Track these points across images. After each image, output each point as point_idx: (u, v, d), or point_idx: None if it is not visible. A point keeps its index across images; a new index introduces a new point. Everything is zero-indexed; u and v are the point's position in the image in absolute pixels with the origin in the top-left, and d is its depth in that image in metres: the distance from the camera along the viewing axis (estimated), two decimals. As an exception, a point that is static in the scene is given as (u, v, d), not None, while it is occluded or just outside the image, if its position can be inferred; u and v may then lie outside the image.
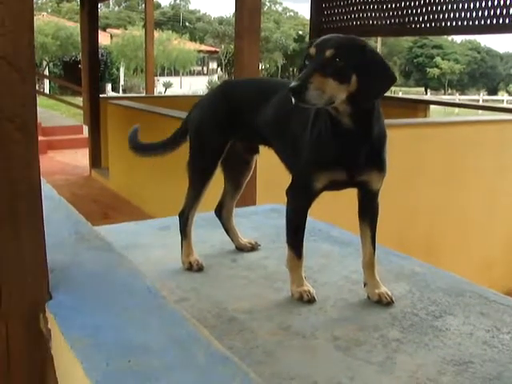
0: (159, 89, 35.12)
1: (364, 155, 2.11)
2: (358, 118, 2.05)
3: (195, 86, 37.83)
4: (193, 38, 48.82)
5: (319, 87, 1.89)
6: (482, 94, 48.58)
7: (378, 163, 2.16)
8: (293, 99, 1.90)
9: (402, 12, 7.84)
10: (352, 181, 2.16)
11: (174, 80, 41.52)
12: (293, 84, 1.89)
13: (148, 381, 1.10)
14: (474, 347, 1.92)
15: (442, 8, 7.34)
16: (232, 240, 2.78)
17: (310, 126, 2.16)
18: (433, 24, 7.50)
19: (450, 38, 53.43)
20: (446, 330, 2.04)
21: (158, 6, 49.33)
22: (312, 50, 1.99)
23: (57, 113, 20.05)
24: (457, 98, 41.06)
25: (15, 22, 1.32)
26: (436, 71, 52.85)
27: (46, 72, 33.96)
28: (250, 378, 1.11)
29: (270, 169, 2.55)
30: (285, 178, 2.30)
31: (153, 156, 2.78)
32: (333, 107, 1.99)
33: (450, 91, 54.17)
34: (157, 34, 27.95)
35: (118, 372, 1.14)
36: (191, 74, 45.01)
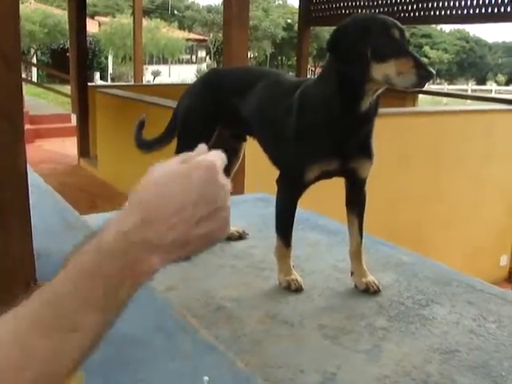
0: (148, 77, 34.92)
1: (357, 142, 2.11)
2: (377, 98, 2.07)
3: (184, 74, 37.66)
4: (181, 27, 48.61)
5: None
6: (470, 84, 48.66)
7: (366, 150, 2.16)
8: (419, 82, 1.92)
9: (391, 1, 7.85)
10: (342, 169, 2.16)
11: (162, 68, 41.34)
12: (425, 70, 1.90)
13: (135, 370, 1.10)
14: (461, 336, 1.94)
15: (430, -3, 7.35)
16: (220, 229, 2.77)
17: (296, 115, 2.15)
18: (421, 13, 7.51)
19: (438, 27, 53.46)
20: (432, 319, 2.05)
21: (147, -7, 49.02)
22: (396, 33, 1.97)
23: (44, 101, 19.93)
24: (445, 87, 41.10)
25: (0, 10, 1.31)
26: (424, 60, 52.89)
27: (34, 60, 33.71)
28: (236, 367, 1.11)
29: (258, 158, 2.54)
30: (273, 168, 2.30)
31: (157, 150, 2.74)
32: (374, 87, 2.02)
33: (438, 81, 54.18)
34: (145, 22, 27.72)
35: (105, 361, 1.14)
36: (180, 62, 44.84)
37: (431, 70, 1.91)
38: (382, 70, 1.93)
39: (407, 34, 2.00)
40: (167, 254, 0.75)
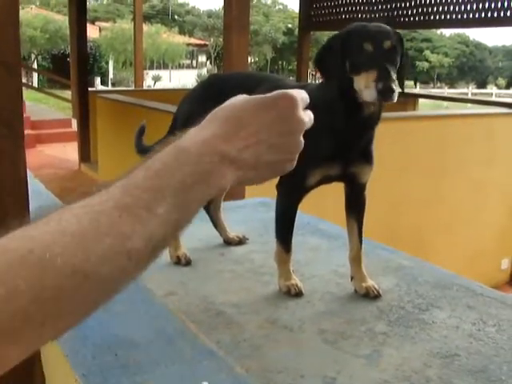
0: (148, 82, 34.99)
1: (361, 146, 2.11)
2: (380, 105, 2.06)
3: (184, 79, 37.70)
4: (182, 32, 48.71)
5: (396, 82, 1.91)
6: (470, 88, 48.73)
7: (367, 155, 2.16)
8: (379, 96, 1.89)
9: (391, 5, 7.86)
10: (343, 174, 2.17)
11: (163, 73, 41.42)
12: (382, 85, 1.87)
13: (134, 375, 1.10)
14: (460, 340, 1.93)
15: (431, 1, 7.37)
16: (220, 234, 2.78)
17: None
18: (422, 17, 7.53)
19: (439, 31, 53.49)
20: (432, 323, 2.05)
21: (147, -1, 49.10)
22: (368, 46, 1.94)
23: (45, 106, 19.97)
24: (446, 91, 41.15)
25: (0, 15, 1.32)
26: (425, 65, 52.88)
27: (35, 65, 33.81)
28: (235, 372, 1.11)
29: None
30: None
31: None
32: None
33: (439, 84, 54.28)
34: (146, 27, 27.83)
35: (104, 366, 1.14)
36: (180, 67, 44.93)
37: (391, 85, 1.87)
38: (356, 83, 1.95)
39: (395, 41, 1.96)
40: (238, 171, 0.78)
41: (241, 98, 0.84)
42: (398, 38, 2.01)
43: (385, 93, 1.89)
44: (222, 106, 0.83)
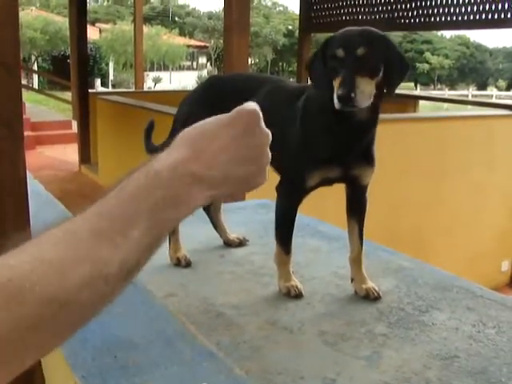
0: (149, 84, 35.01)
1: (360, 149, 2.11)
2: (372, 110, 2.05)
3: (185, 81, 37.76)
4: (182, 33, 48.76)
5: (363, 89, 1.90)
6: (471, 89, 48.76)
7: (368, 157, 2.16)
8: (339, 105, 1.90)
9: (392, 7, 7.87)
10: (344, 176, 2.16)
11: (163, 75, 41.46)
12: (342, 92, 1.88)
13: (133, 376, 1.10)
14: (460, 342, 1.93)
15: (431, 3, 7.38)
16: (220, 235, 2.78)
17: (299, 121, 2.15)
18: (422, 19, 7.53)
19: (439, 33, 53.52)
20: (432, 325, 2.05)
21: (147, 0, 49.14)
22: (340, 52, 1.95)
23: (45, 108, 19.98)
24: (446, 93, 41.15)
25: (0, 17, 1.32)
26: (426, 66, 52.87)
27: (35, 67, 33.81)
28: (234, 374, 1.11)
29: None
30: (274, 173, 2.30)
31: None
32: None
33: (439, 86, 54.27)
34: (146, 28, 27.82)
35: (104, 367, 1.14)
36: (181, 68, 44.95)
37: (349, 92, 1.87)
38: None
39: (373, 47, 1.94)
40: (210, 190, 0.80)
41: (207, 119, 0.86)
42: (380, 44, 1.99)
43: (343, 100, 1.90)
44: (189, 128, 0.84)
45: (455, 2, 7.03)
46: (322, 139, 2.10)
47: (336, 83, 1.93)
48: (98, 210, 0.72)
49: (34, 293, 0.62)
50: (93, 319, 0.71)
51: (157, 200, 0.74)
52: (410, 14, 7.66)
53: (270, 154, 0.88)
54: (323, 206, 3.59)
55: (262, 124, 0.87)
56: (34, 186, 2.11)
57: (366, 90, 1.91)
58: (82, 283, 0.66)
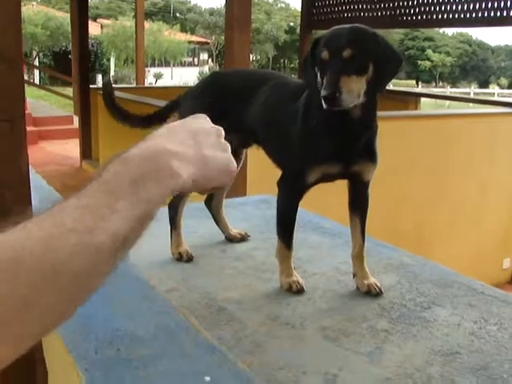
0: (150, 80, 35.00)
1: (360, 146, 2.11)
2: (367, 107, 2.05)
3: (186, 77, 37.72)
4: (183, 29, 48.70)
5: (349, 89, 1.90)
6: (472, 87, 48.70)
7: (371, 154, 2.16)
8: (325, 105, 1.91)
9: (394, 4, 7.85)
10: (345, 172, 2.17)
11: (164, 71, 41.43)
12: (325, 93, 1.88)
13: (136, 369, 1.10)
14: (462, 338, 1.93)
15: (433, 0, 7.35)
16: (222, 231, 2.78)
17: (301, 117, 2.15)
18: (424, 16, 7.52)
19: (441, 30, 53.46)
20: (434, 321, 2.05)
21: (149, -4, 49.04)
22: (325, 54, 1.96)
23: (47, 103, 19.97)
24: (448, 90, 41.14)
25: (2, 11, 1.31)
26: (427, 64, 52.87)
27: (36, 62, 33.79)
28: (237, 367, 1.11)
29: (260, 160, 2.54)
30: (275, 169, 2.30)
31: (136, 127, 2.72)
32: None
33: (441, 84, 54.26)
34: (147, 24, 27.83)
35: (107, 360, 1.14)
36: (182, 65, 44.92)
37: (332, 92, 1.88)
38: None
39: (359, 46, 1.94)
40: (188, 166, 0.83)
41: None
42: (368, 41, 1.99)
43: (327, 101, 1.91)
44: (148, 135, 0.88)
45: (457, -1, 7.02)
46: (322, 135, 2.10)
47: (322, 83, 1.94)
48: (82, 191, 0.74)
49: (25, 265, 0.63)
50: (93, 291, 0.72)
51: (138, 175, 0.76)
52: (411, 10, 7.65)
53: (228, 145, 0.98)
54: (325, 202, 3.58)
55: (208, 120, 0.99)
56: (36, 180, 2.11)
57: (353, 89, 1.91)
58: (71, 252, 0.66)
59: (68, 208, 0.71)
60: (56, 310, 0.68)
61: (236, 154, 2.62)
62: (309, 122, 2.13)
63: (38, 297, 0.64)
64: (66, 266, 0.66)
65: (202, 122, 0.96)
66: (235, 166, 0.97)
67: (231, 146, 0.99)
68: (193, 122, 0.95)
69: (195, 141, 0.88)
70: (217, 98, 2.46)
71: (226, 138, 0.97)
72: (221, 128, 0.98)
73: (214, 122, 0.96)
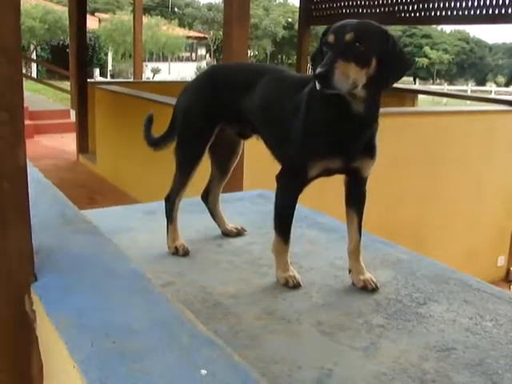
0: (147, 74, 34.95)
1: (362, 142, 2.12)
2: (369, 103, 2.05)
3: (184, 72, 37.65)
4: (181, 24, 48.58)
5: (344, 72, 1.90)
6: (470, 85, 48.69)
7: (371, 150, 2.17)
8: (318, 85, 1.91)
9: (392, 0, 7.85)
10: (345, 167, 2.17)
11: (162, 66, 41.35)
12: (318, 70, 1.89)
13: (132, 361, 1.10)
14: (457, 334, 1.94)
15: (431, -3, 7.36)
16: (218, 225, 2.78)
17: (303, 112, 2.15)
18: (422, 13, 7.52)
19: (439, 27, 53.48)
20: (429, 317, 2.05)
21: (147, -10, 48.93)
22: (331, 38, 1.97)
23: (44, 97, 19.92)
24: (445, 88, 41.11)
25: (1, 4, 1.31)
26: (425, 61, 52.81)
27: (34, 56, 33.70)
28: (233, 360, 1.11)
29: (257, 154, 2.55)
30: (272, 164, 2.30)
31: (165, 147, 2.70)
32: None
33: (438, 81, 54.21)
34: (145, 19, 27.76)
35: (103, 352, 1.14)
36: (180, 59, 44.85)
37: (323, 70, 1.88)
38: None
39: (365, 37, 1.95)
40: None
41: None
42: (376, 36, 1.99)
43: (319, 78, 1.90)
44: None
45: (456, -4, 7.02)
46: (324, 130, 2.10)
47: None
48: None
49: None
50: None
51: None
52: (410, 7, 7.66)
53: None
54: (322, 197, 3.59)
55: None
56: (33, 173, 2.11)
57: (348, 75, 1.91)
58: None
59: None
60: None
61: (233, 147, 2.63)
62: (310, 117, 2.13)
63: None
64: None
65: None
66: None
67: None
68: None
69: None
70: (216, 90, 2.46)
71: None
72: None
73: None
